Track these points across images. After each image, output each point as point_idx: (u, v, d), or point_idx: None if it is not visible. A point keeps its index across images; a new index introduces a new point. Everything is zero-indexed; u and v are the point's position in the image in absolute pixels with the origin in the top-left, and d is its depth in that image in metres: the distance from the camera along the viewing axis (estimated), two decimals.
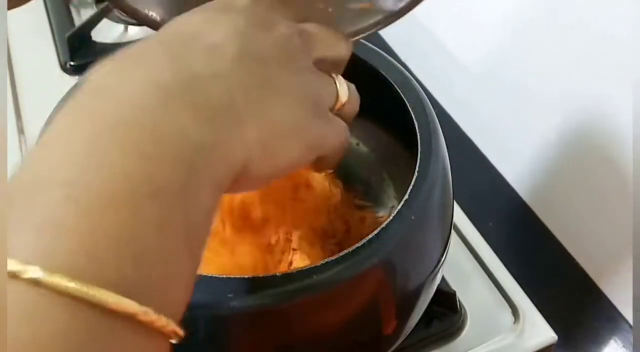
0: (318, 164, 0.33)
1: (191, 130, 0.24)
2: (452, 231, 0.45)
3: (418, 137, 0.42)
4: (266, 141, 0.27)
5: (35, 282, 0.19)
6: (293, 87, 0.29)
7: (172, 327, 0.22)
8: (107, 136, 0.22)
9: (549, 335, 0.51)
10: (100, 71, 0.25)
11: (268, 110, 0.27)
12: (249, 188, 0.29)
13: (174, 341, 0.23)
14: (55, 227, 0.20)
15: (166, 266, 0.22)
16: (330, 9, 0.39)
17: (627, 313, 0.58)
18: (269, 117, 0.27)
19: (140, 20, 0.39)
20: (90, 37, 0.73)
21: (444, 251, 0.44)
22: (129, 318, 0.20)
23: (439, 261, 0.43)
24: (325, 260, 0.36)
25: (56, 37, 0.74)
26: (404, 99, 0.45)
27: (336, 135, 0.32)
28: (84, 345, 0.19)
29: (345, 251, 0.36)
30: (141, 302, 0.21)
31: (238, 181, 0.27)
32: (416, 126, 0.43)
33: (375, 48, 0.49)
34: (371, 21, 0.39)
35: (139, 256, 0.21)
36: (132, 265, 0.21)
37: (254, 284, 0.36)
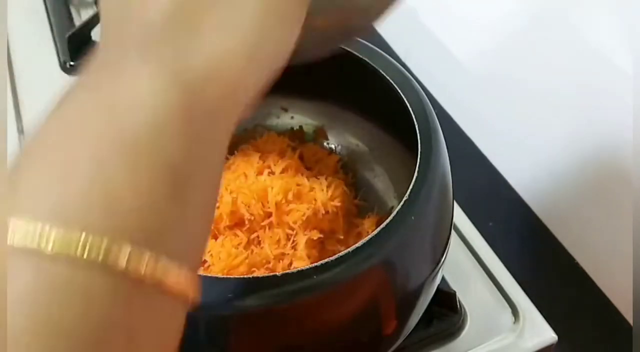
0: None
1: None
2: (452, 231, 0.45)
3: (418, 137, 0.42)
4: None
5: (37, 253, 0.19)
6: None
7: (182, 281, 0.22)
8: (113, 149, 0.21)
9: (549, 335, 0.51)
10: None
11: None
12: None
13: (189, 306, 0.22)
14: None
15: (150, 214, 0.21)
16: None
17: (627, 313, 0.58)
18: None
19: None
20: (91, 37, 0.73)
21: (444, 251, 0.44)
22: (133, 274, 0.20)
23: (439, 261, 0.43)
24: (325, 260, 0.36)
25: (56, 37, 0.74)
26: (404, 99, 0.45)
27: None
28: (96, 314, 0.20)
29: (345, 251, 0.36)
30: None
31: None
32: (416, 126, 0.43)
33: (376, 48, 0.49)
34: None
35: (115, 200, 0.20)
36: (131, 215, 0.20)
37: (254, 284, 0.36)
